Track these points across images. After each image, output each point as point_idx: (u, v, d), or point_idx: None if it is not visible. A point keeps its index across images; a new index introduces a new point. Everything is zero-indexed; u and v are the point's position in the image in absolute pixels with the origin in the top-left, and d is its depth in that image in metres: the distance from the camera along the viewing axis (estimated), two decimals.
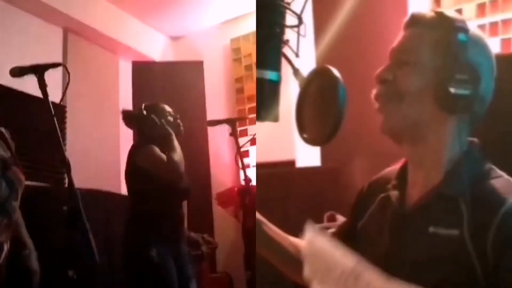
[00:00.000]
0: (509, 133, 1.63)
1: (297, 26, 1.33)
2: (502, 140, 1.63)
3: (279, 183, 3.26)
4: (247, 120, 5.41)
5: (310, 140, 1.41)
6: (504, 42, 3.49)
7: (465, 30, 1.30)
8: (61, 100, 2.07)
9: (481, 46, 1.34)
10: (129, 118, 3.27)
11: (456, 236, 1.20)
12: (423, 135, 1.33)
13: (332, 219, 3.18)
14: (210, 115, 5.13)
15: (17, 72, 2.03)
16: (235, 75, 5.69)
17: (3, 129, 2.46)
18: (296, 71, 1.44)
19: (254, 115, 5.26)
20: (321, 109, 1.35)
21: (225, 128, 3.22)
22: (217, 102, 5.63)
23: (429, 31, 1.33)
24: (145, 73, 5.51)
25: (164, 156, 3.01)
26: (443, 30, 1.31)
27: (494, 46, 3.09)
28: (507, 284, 1.14)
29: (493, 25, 3.56)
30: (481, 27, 3.56)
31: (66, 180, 4.33)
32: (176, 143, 3.09)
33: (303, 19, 1.32)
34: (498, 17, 3.54)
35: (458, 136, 1.33)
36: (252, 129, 5.41)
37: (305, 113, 1.42)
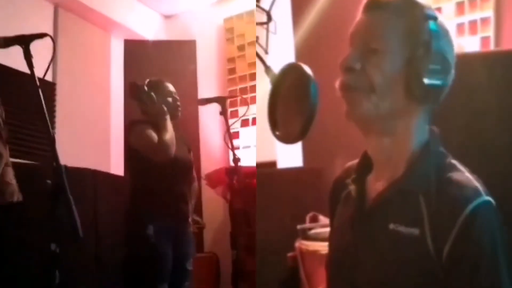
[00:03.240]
0: (486, 130, 1.61)
1: (266, 23, 1.32)
2: (475, 137, 1.61)
3: (261, 184, 3.28)
4: (238, 101, 5.40)
5: (283, 138, 1.41)
6: (484, 40, 3.50)
7: (435, 18, 1.26)
8: (45, 73, 2.00)
9: (447, 34, 1.31)
10: (133, 91, 3.18)
11: (416, 236, 1.18)
12: (392, 126, 1.29)
13: (314, 219, 3.21)
14: (202, 95, 5.11)
15: (2, 42, 1.99)
16: (228, 55, 5.65)
17: None
18: (267, 69, 1.45)
19: (245, 96, 5.26)
20: (293, 107, 1.34)
21: (216, 109, 3.20)
22: (209, 82, 5.61)
23: (396, 17, 1.28)
24: (137, 51, 5.48)
25: (155, 136, 2.99)
26: (412, 18, 1.27)
27: (474, 44, 3.54)
28: None
29: (472, 23, 3.58)
30: (460, 25, 3.63)
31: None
32: (169, 123, 3.06)
33: (272, 16, 1.30)
34: (477, 15, 3.56)
35: (422, 126, 1.31)
36: (243, 110, 5.40)
37: (277, 110, 1.42)
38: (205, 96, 4.31)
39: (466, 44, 3.55)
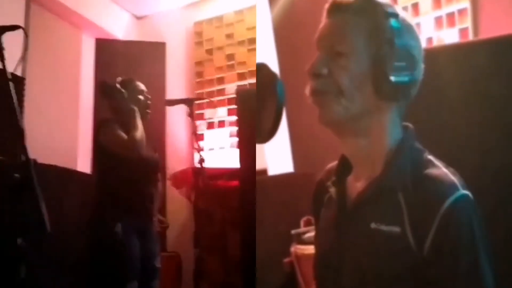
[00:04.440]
0: (459, 124, 1.64)
1: None
2: (447, 131, 1.64)
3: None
4: (204, 104, 5.48)
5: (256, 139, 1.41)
6: (462, 31, 3.49)
7: (395, 15, 1.26)
8: (16, 67, 1.98)
9: (411, 29, 1.31)
10: (103, 89, 3.21)
11: (398, 233, 1.20)
12: (365, 127, 1.29)
13: (308, 223, 3.18)
14: (170, 97, 5.12)
15: None
16: (196, 58, 5.69)
17: None
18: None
19: (212, 99, 5.35)
20: (263, 107, 1.34)
21: (183, 111, 3.25)
22: (176, 84, 5.64)
23: (358, 18, 1.28)
24: (108, 50, 5.48)
25: (123, 135, 2.99)
26: (374, 17, 1.27)
27: (453, 36, 3.51)
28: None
29: (450, 16, 3.58)
30: (438, 18, 3.63)
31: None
32: (139, 121, 3.06)
33: None
34: (453, 7, 3.56)
35: (395, 122, 1.32)
36: (209, 113, 5.50)
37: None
38: (173, 97, 4.37)
39: (445, 36, 3.58)
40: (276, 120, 1.30)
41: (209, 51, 5.63)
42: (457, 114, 1.67)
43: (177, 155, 5.42)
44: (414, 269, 1.17)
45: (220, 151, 5.38)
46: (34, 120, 4.55)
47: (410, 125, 1.36)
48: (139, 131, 3.03)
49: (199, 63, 5.69)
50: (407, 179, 1.24)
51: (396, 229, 1.20)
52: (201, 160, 3.17)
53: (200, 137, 5.28)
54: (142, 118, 3.13)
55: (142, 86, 3.25)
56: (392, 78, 1.22)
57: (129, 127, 3.03)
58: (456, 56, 1.75)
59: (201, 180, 3.21)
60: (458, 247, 1.15)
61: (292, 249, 3.07)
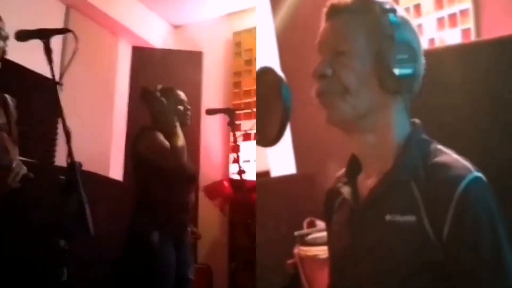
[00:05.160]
0: (460, 122, 1.65)
1: None
2: (449, 129, 1.63)
3: (259, 194, 3.27)
4: (241, 115, 5.41)
5: (259, 142, 1.44)
6: (464, 32, 3.49)
7: (393, 10, 1.30)
8: (62, 74, 1.98)
9: (408, 24, 1.34)
10: (144, 96, 3.18)
11: (414, 223, 1.19)
12: (373, 122, 1.32)
13: (311, 225, 3.20)
14: (205, 107, 5.09)
15: (23, 35, 1.97)
16: (234, 68, 5.66)
17: (7, 97, 2.40)
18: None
19: (249, 110, 5.26)
20: (269, 110, 1.37)
21: (218, 121, 3.20)
22: (213, 95, 5.61)
23: (357, 17, 1.32)
24: (144, 58, 5.47)
25: (166, 143, 2.97)
26: (372, 14, 1.30)
27: (455, 37, 3.51)
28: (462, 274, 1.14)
29: (452, 16, 3.56)
30: (440, 19, 3.62)
31: (55, 158, 4.30)
32: (179, 131, 3.04)
33: None
34: (455, 8, 3.54)
35: (402, 116, 1.34)
36: (245, 124, 5.42)
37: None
38: (208, 107, 4.33)
39: (447, 37, 3.58)
40: (282, 124, 1.33)
41: (248, 62, 5.60)
42: (459, 114, 1.67)
43: (210, 165, 5.34)
44: (433, 258, 1.16)
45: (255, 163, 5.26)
46: (68, 124, 4.52)
47: (417, 120, 1.38)
48: (180, 140, 3.02)
49: (237, 73, 5.66)
50: (419, 169, 1.25)
51: (411, 218, 1.20)
52: (241, 172, 3.10)
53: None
54: (182, 126, 3.12)
55: (182, 95, 3.25)
56: (396, 71, 1.24)
57: (169, 136, 3.01)
58: (458, 57, 1.75)
59: (240, 192, 3.14)
60: (478, 230, 1.14)
61: (295, 250, 3.13)
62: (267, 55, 4.12)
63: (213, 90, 5.64)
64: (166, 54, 5.65)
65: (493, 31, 3.35)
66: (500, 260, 1.14)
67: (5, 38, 2.33)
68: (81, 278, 3.59)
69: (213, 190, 4.50)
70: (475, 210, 1.15)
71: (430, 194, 1.20)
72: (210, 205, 4.65)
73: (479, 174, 1.19)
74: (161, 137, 3.00)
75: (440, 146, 1.31)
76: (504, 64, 1.65)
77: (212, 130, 5.22)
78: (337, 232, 1.48)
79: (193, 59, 5.62)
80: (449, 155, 1.26)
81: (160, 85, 3.19)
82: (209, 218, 4.91)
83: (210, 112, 3.38)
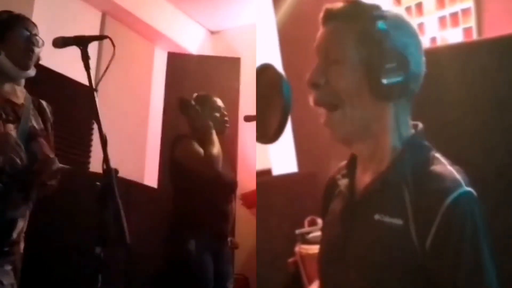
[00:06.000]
0: (460, 120, 1.68)
1: None
2: (449, 127, 1.69)
3: (260, 193, 3.27)
4: None
5: (259, 139, 1.45)
6: (466, 31, 3.48)
7: (382, 17, 1.29)
8: (99, 80, 2.01)
9: (403, 26, 1.33)
10: (181, 105, 3.18)
11: (400, 226, 1.21)
12: (370, 130, 1.33)
13: (313, 223, 3.16)
14: (243, 114, 5.00)
15: (60, 42, 1.97)
16: None
17: (44, 103, 2.40)
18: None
19: None
20: (268, 107, 1.39)
21: (254, 128, 3.10)
22: (251, 101, 5.47)
23: (348, 25, 1.31)
24: (180, 64, 5.41)
25: (200, 150, 2.97)
26: (361, 21, 1.30)
27: (456, 36, 3.53)
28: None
29: (454, 15, 3.56)
30: (442, 18, 3.62)
31: (90, 164, 4.26)
32: (215, 138, 3.04)
33: None
34: (457, 7, 3.54)
35: (399, 119, 1.33)
36: None
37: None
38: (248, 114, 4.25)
39: (449, 36, 3.58)
40: (282, 121, 1.33)
41: None
42: (461, 113, 1.70)
43: (248, 173, 5.23)
44: (413, 263, 1.19)
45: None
46: (104, 131, 4.48)
47: (420, 123, 1.39)
48: (215, 148, 3.01)
49: None
50: (412, 174, 1.26)
51: (398, 221, 1.22)
52: None
53: None
54: (219, 133, 3.12)
55: (219, 102, 3.24)
56: (384, 81, 1.24)
57: (205, 143, 3.01)
58: (460, 56, 1.79)
59: None
60: (460, 242, 1.16)
61: (297, 249, 3.15)
62: (268, 52, 4.12)
63: (251, 97, 5.51)
64: (203, 60, 5.59)
65: (495, 30, 3.33)
66: (479, 274, 1.16)
67: (40, 45, 2.31)
68: (116, 286, 3.56)
69: (251, 199, 4.40)
70: (459, 223, 1.17)
71: (420, 201, 1.21)
72: (248, 214, 4.56)
73: (469, 189, 1.21)
74: (195, 144, 3.00)
75: (437, 155, 1.31)
76: (506, 63, 1.67)
77: (250, 137, 5.10)
78: (330, 221, 1.50)
79: (231, 65, 5.54)
80: (444, 166, 1.27)
81: (196, 93, 3.20)
82: (247, 227, 4.80)
83: (248, 119, 3.30)
